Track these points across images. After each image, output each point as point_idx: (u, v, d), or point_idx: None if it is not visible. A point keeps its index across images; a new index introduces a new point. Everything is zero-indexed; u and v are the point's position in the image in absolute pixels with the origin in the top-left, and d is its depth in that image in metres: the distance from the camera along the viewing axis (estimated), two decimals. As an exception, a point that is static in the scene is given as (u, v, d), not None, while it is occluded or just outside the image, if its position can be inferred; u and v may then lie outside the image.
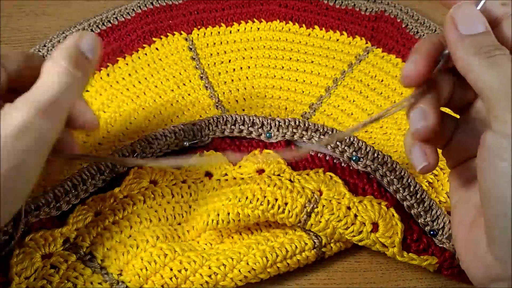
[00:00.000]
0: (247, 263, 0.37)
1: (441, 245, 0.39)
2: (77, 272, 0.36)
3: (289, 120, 0.44)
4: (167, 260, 0.36)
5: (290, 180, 0.41)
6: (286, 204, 0.39)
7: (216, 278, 0.37)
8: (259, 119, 0.44)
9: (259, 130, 0.44)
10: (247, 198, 0.39)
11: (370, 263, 0.41)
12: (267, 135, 0.43)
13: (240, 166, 0.43)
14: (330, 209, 0.39)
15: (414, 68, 0.30)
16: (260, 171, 0.42)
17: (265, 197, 0.39)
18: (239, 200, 0.39)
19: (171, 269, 0.36)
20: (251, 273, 0.38)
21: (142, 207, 0.40)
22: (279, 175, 0.41)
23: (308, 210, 0.39)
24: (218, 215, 0.38)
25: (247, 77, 0.53)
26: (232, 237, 0.40)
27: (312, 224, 0.39)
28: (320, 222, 0.39)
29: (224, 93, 0.51)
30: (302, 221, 0.39)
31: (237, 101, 0.50)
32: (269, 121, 0.44)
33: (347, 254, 0.42)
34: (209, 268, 0.37)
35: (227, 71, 0.53)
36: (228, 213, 0.38)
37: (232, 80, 0.53)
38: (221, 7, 0.59)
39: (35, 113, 0.27)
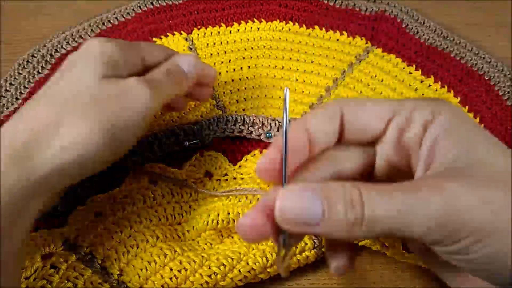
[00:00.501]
0: (247, 263, 0.37)
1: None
2: (77, 272, 0.36)
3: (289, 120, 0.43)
4: (167, 260, 0.36)
5: None
6: None
7: (216, 278, 0.36)
8: (259, 119, 0.44)
9: (259, 130, 0.44)
10: (246, 198, 0.39)
11: (370, 263, 0.41)
12: (267, 135, 0.43)
13: (240, 166, 0.43)
14: None
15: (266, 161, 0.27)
16: None
17: None
18: (239, 200, 0.39)
19: (171, 269, 0.36)
20: (251, 273, 0.37)
21: (142, 207, 0.40)
22: None
23: None
24: (218, 215, 0.38)
25: (247, 77, 0.53)
26: (232, 237, 0.40)
27: None
28: None
29: (224, 93, 0.51)
30: None
31: (237, 101, 0.50)
32: (269, 121, 0.44)
33: (347, 254, 0.41)
34: (209, 268, 0.36)
35: (227, 71, 0.53)
36: (228, 213, 0.38)
37: (233, 80, 0.52)
38: (221, 7, 0.59)
39: (140, 81, 0.33)
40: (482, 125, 0.49)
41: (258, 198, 0.39)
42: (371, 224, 0.23)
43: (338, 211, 0.23)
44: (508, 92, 0.51)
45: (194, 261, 0.36)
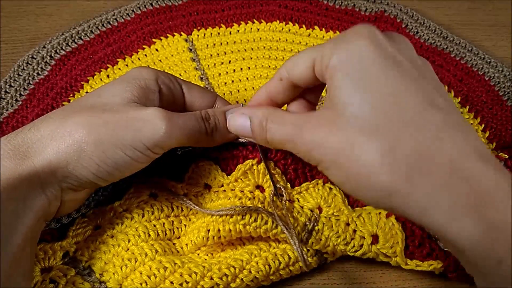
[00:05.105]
0: (250, 272, 0.35)
1: (446, 249, 0.36)
2: (76, 287, 0.33)
3: None
4: (167, 273, 0.33)
5: (289, 200, 0.38)
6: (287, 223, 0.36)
7: None
8: None
9: None
10: (250, 216, 0.36)
11: (370, 263, 0.39)
12: None
13: (236, 179, 0.38)
14: (329, 226, 0.37)
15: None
16: (260, 188, 0.39)
17: (267, 221, 0.36)
18: (242, 218, 0.35)
19: (172, 283, 0.33)
20: (254, 282, 0.35)
21: (140, 221, 0.37)
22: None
23: (309, 228, 0.36)
24: (219, 230, 0.35)
25: (247, 78, 0.50)
26: (233, 244, 0.38)
27: (313, 243, 0.36)
28: (320, 240, 0.36)
29: (224, 94, 0.48)
30: (304, 239, 0.36)
31: (237, 102, 0.48)
32: None
33: (347, 254, 0.39)
34: (211, 279, 0.34)
35: (227, 72, 0.50)
36: (230, 230, 0.35)
37: (233, 81, 0.50)
38: (221, 8, 0.56)
39: (159, 114, 0.32)
40: (483, 125, 0.46)
41: (262, 217, 0.35)
42: (271, 142, 0.32)
43: (256, 131, 0.32)
44: (508, 92, 0.49)
45: (196, 273, 0.33)
